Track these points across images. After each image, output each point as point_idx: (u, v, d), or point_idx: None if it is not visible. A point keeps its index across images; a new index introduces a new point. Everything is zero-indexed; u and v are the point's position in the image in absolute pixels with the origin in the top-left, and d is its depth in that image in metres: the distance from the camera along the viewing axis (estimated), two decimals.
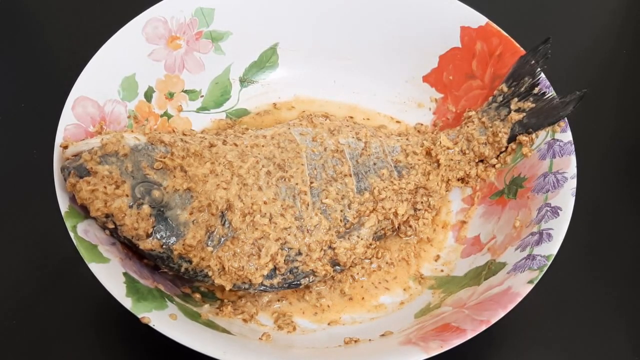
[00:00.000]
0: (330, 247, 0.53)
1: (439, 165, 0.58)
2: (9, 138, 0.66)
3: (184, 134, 0.57)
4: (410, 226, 0.57)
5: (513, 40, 0.60)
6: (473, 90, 0.62)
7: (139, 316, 0.44)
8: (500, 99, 0.59)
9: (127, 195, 0.47)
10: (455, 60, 0.63)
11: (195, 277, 0.50)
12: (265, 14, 0.63)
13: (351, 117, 0.65)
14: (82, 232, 0.47)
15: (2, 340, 0.53)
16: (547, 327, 0.55)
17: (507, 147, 0.58)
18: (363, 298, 0.55)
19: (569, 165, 0.53)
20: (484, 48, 0.61)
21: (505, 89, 0.59)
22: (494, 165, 0.59)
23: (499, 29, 0.60)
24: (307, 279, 0.52)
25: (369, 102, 0.65)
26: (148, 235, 0.48)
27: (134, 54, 0.58)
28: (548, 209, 0.52)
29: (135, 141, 0.50)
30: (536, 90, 0.57)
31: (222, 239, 0.50)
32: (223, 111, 0.64)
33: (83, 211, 0.48)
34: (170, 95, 0.61)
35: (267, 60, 0.65)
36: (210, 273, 0.49)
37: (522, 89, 0.58)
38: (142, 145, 0.50)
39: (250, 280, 0.50)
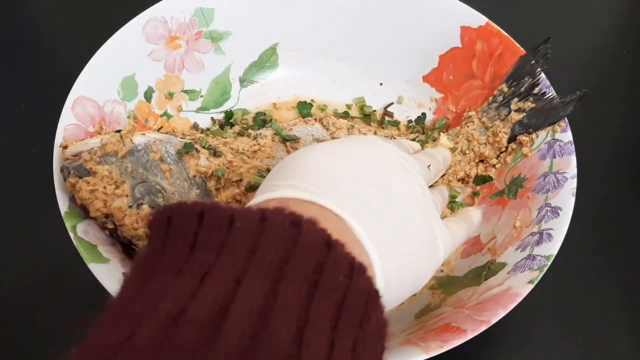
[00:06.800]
0: None
1: None
2: (8, 138, 0.66)
3: (183, 134, 0.57)
4: None
5: (513, 40, 0.60)
6: (473, 90, 0.62)
7: None
8: (500, 99, 0.59)
9: (127, 196, 0.47)
10: (456, 60, 0.63)
11: None
12: (265, 14, 0.63)
13: (351, 117, 0.64)
14: (81, 233, 0.47)
15: (1, 340, 0.53)
16: (547, 328, 0.55)
17: (507, 147, 0.58)
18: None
19: (569, 165, 0.53)
20: (484, 48, 0.61)
21: (506, 89, 0.59)
22: (494, 165, 0.59)
23: (499, 29, 0.60)
24: None
25: (369, 102, 0.65)
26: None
27: (134, 54, 0.58)
28: (548, 209, 0.52)
29: (143, 139, 0.50)
30: (536, 90, 0.57)
31: None
32: (223, 111, 0.64)
33: (83, 211, 0.48)
34: (170, 95, 0.61)
35: (267, 60, 0.65)
36: None
37: (523, 89, 0.58)
38: (141, 146, 0.50)
39: None
